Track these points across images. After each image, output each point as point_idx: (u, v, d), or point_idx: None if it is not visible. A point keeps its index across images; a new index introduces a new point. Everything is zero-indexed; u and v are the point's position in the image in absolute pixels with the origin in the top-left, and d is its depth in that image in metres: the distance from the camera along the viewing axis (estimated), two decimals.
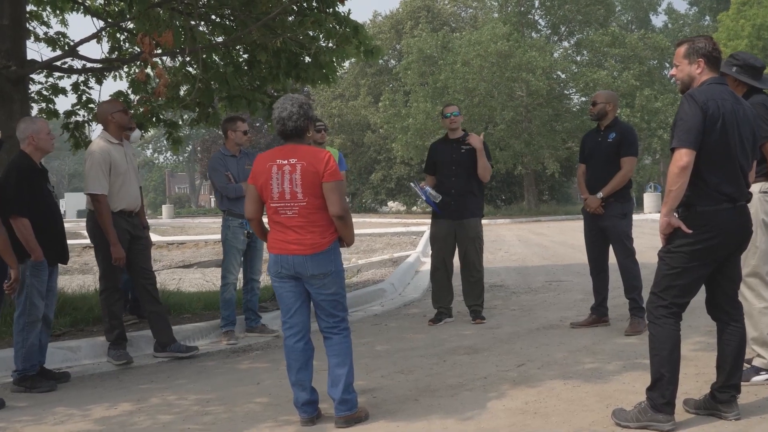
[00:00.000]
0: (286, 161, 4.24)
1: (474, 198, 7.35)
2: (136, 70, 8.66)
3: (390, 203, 53.05)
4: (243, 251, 6.97)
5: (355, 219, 39.38)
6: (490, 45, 33.56)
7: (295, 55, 8.73)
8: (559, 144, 36.04)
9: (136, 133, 7.46)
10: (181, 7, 7.87)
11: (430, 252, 7.70)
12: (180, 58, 8.06)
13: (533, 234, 22.17)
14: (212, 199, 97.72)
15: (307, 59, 8.89)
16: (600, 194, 6.54)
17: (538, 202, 40.62)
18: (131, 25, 8.26)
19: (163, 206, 61.20)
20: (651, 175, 41.03)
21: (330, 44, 8.57)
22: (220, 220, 7.27)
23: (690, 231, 3.82)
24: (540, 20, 42.68)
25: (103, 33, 7.56)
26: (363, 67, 52.71)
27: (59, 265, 5.66)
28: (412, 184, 7.63)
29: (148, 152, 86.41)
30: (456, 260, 7.49)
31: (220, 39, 8.90)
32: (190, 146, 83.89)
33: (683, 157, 3.75)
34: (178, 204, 78.84)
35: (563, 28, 42.39)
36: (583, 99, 38.22)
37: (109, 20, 7.86)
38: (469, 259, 7.38)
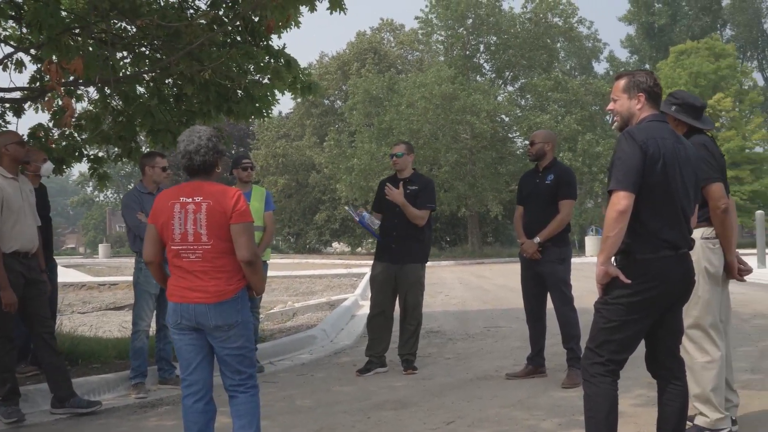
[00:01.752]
0: (190, 199, 3.82)
1: (417, 242, 6.93)
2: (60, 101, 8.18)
3: (335, 244, 52.63)
4: (156, 296, 6.46)
5: (298, 260, 39.39)
6: (435, 87, 33.69)
7: (225, 88, 8.35)
8: (503, 186, 36.22)
9: (48, 165, 6.93)
10: (104, 36, 7.44)
11: (370, 296, 7.30)
12: (95, 88, 7.58)
13: (475, 276, 21.93)
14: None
15: (239, 93, 8.54)
16: (537, 239, 6.22)
17: (482, 244, 40.64)
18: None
19: (100, 245, 59.68)
20: (593, 218, 41.43)
21: (262, 78, 8.20)
22: None
23: (629, 281, 3.49)
24: (485, 64, 43.09)
25: (10, 60, 7.02)
26: (308, 107, 52.64)
27: None
28: (347, 207, 7.21)
29: (89, 189, 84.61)
30: (397, 307, 7.11)
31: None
32: (132, 184, 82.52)
33: (621, 200, 3.44)
34: (119, 243, 77.20)
35: (508, 73, 42.85)
36: (527, 142, 38.41)
37: (15, 46, 7.33)
38: (407, 306, 6.97)
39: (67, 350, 7.15)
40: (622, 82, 3.76)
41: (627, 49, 68.81)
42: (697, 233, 4.18)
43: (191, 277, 3.80)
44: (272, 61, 8.24)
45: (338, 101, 52.55)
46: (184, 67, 7.71)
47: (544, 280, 6.33)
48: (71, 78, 6.54)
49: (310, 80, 8.96)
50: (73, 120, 7.17)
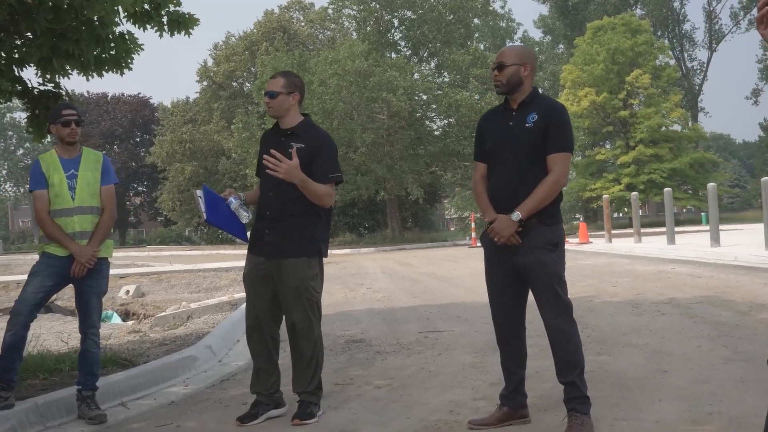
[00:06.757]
0: None
1: (301, 227, 4.61)
2: None
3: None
4: None
5: (209, 251, 36.93)
6: (348, 63, 31.49)
7: (57, 18, 6.04)
8: (422, 168, 34.53)
9: None
10: None
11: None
12: None
13: (399, 264, 19.78)
14: None
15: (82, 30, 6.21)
16: (517, 214, 3.89)
17: (402, 229, 38.77)
18: None
19: None
20: None
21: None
22: None
23: None
24: (400, 41, 41.10)
25: None
26: (216, 90, 50.23)
27: None
28: (197, 192, 4.83)
29: None
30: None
31: None
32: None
33: None
34: (20, 239, 74.29)
35: (424, 51, 40.98)
36: (446, 122, 36.80)
37: None
38: (292, 322, 4.60)
39: None
40: None
41: (540, 29, 68.21)
42: None
43: None
44: None
45: (247, 83, 49.97)
46: None
47: (525, 277, 4.01)
48: None
49: (180, 13, 6.77)
50: None
